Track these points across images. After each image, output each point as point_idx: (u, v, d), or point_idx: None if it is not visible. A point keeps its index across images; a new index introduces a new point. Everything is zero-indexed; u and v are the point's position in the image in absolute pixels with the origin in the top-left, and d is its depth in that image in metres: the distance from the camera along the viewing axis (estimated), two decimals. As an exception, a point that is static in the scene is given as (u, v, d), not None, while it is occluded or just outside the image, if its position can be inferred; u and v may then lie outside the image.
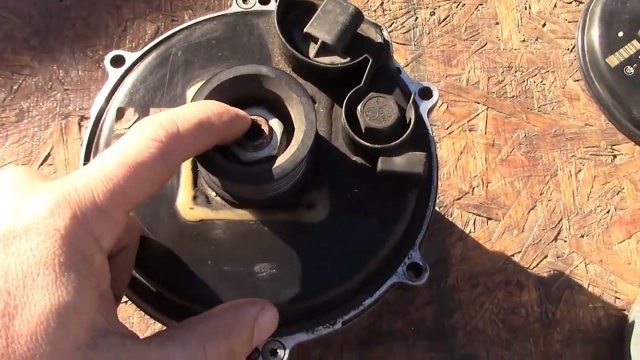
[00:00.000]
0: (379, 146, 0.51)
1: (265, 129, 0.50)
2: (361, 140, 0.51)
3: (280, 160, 0.47)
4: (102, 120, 0.57)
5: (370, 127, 0.51)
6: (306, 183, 0.53)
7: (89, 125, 0.57)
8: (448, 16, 0.88)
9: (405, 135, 0.51)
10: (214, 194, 0.53)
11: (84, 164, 0.57)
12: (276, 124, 0.51)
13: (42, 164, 0.79)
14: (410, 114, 0.53)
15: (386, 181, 0.53)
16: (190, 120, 0.40)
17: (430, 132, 0.58)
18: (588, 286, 0.76)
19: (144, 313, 0.69)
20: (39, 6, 0.87)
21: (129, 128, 0.55)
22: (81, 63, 0.85)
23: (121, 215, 0.37)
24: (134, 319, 0.73)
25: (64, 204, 0.34)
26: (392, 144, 0.51)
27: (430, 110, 0.59)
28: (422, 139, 0.56)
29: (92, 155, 0.57)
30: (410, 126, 0.52)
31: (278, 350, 0.52)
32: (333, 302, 0.52)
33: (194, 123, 0.40)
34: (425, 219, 0.56)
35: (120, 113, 0.55)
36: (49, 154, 0.80)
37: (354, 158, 0.54)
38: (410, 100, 0.53)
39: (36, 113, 0.82)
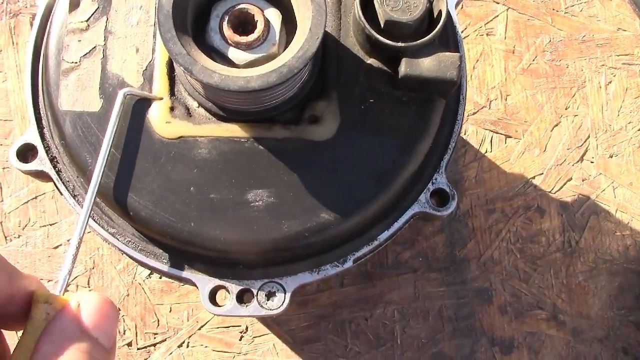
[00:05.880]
0: (403, 44, 0.42)
1: (260, 20, 0.39)
2: (380, 37, 0.42)
3: (285, 57, 0.37)
4: (52, 11, 0.46)
5: (391, 20, 0.41)
6: (310, 91, 0.43)
7: (36, 18, 0.47)
8: None
9: (435, 30, 0.41)
10: (196, 104, 0.44)
11: (31, 68, 0.46)
12: (273, 15, 0.40)
13: (-10, 71, 0.68)
14: (441, 5, 0.42)
15: (409, 90, 0.44)
16: None
17: (459, 32, 0.48)
18: (616, 212, 0.70)
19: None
20: None
21: (86, 21, 0.44)
22: (33, -49, 0.72)
23: None
24: (104, 249, 0.65)
25: None
26: (420, 41, 0.42)
27: (457, 4, 0.49)
28: (450, 40, 0.46)
29: (41, 57, 0.46)
30: (442, 20, 0.42)
31: (277, 294, 0.44)
32: (343, 236, 0.45)
33: None
34: (452, 135, 0.47)
35: (74, 1, 0.44)
36: (-3, 60, 0.69)
37: (369, 61, 0.45)
38: (442, -13, 0.42)
39: (-19, 11, 0.70)
